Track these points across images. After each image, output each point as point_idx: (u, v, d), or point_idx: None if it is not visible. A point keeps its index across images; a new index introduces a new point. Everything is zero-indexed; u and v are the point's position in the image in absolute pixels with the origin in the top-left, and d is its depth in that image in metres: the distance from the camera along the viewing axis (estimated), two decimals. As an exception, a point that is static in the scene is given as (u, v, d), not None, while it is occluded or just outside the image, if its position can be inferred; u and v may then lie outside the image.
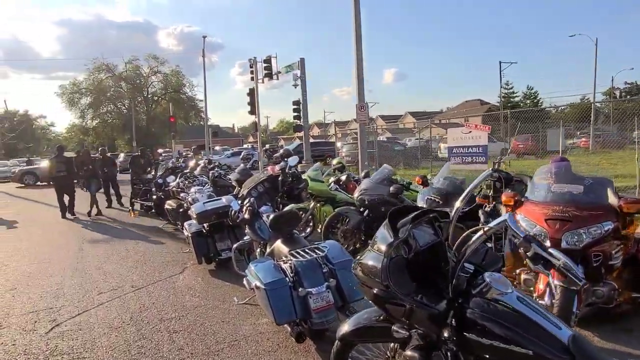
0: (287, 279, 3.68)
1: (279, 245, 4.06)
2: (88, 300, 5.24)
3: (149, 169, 14.25)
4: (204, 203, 6.44)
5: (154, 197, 10.78)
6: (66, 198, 12.06)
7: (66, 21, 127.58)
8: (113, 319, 4.62)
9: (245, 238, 5.35)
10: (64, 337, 4.23)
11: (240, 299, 4.95)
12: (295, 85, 20.80)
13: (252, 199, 4.80)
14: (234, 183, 10.52)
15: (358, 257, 2.36)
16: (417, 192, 7.80)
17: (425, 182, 6.08)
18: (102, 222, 11.14)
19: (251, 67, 21.56)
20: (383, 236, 2.20)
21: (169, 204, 9.29)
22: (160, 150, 45.21)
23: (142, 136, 55.41)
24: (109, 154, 15.94)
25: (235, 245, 5.21)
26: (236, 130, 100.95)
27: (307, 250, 3.76)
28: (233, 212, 4.77)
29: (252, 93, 21.23)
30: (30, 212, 13.85)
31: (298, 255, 3.67)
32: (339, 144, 33.48)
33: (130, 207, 12.85)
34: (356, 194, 7.08)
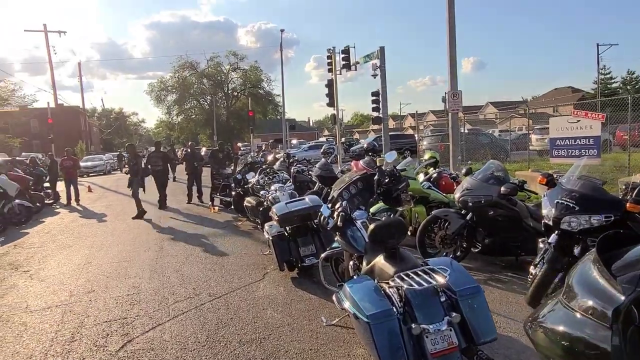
0: (394, 309, 2.87)
1: (381, 262, 3.26)
2: (163, 310, 4.79)
3: (227, 162, 14.07)
4: (286, 203, 5.81)
5: (233, 193, 10.44)
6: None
7: (155, 24, 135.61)
8: (188, 337, 4.09)
9: (333, 245, 4.62)
10: (134, 358, 3.75)
11: (329, 318, 4.23)
12: (375, 76, 19.84)
13: (344, 202, 4.03)
14: (314, 178, 9.90)
15: (535, 313, 1.48)
16: (535, 193, 6.66)
17: (551, 182, 4.96)
18: (183, 219, 11.02)
19: (329, 58, 20.88)
20: (595, 287, 1.32)
21: (248, 201, 8.85)
22: (239, 144, 46.28)
23: (222, 130, 57.22)
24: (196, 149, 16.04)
25: (323, 255, 4.49)
26: (311, 124, 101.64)
27: (419, 272, 2.91)
28: (323, 218, 4.05)
29: (330, 84, 20.56)
30: (121, 205, 14.23)
31: (409, 279, 2.84)
32: (417, 136, 31.91)
33: (210, 202, 12.73)
34: (457, 194, 6.09)
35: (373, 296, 2.97)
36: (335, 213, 3.98)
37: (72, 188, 15.57)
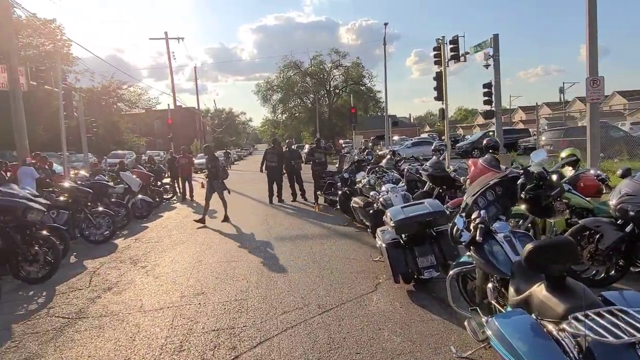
0: (569, 362, 2.15)
1: (542, 293, 2.52)
2: (271, 321, 4.46)
3: (325, 156, 13.76)
4: (402, 208, 5.20)
5: (339, 192, 10.04)
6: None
7: (262, 27, 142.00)
8: (297, 358, 3.69)
9: (461, 260, 3.93)
10: (242, 377, 3.44)
11: (459, 348, 3.56)
12: (487, 66, 18.35)
13: (482, 212, 3.33)
14: (424, 178, 9.14)
15: None
16: None
17: None
18: (289, 217, 10.90)
19: (436, 50, 19.69)
20: None
21: (356, 202, 8.38)
22: (341, 141, 46.24)
23: (325, 128, 57.85)
24: (294, 146, 16.04)
25: (452, 272, 3.82)
26: (412, 120, 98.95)
27: (603, 313, 2.15)
28: (456, 230, 3.39)
29: (439, 77, 19.38)
30: (232, 201, 14.63)
31: (594, 325, 2.09)
32: (533, 130, 29.02)
33: (314, 201, 12.52)
34: (613, 200, 5.00)
35: (537, 341, 2.27)
36: (472, 225, 3.29)
37: (187, 184, 16.45)
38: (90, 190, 10.03)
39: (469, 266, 3.72)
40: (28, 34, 38.07)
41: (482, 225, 3.23)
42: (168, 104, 40.93)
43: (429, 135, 52.43)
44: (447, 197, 8.46)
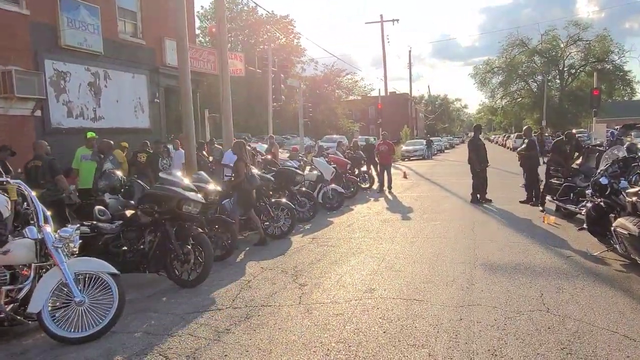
0: None
1: None
2: None
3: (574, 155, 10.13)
4: None
5: (589, 204, 6.76)
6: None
7: (485, 9, 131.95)
8: None
9: None
10: None
11: None
12: None
13: None
14: None
15: None
16: None
17: None
18: (506, 229, 8.13)
19: None
20: None
21: (623, 226, 5.23)
22: (574, 131, 38.59)
23: (552, 114, 49.66)
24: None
25: None
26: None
27: None
28: None
29: None
30: (430, 199, 12.44)
31: None
32: None
33: (540, 208, 9.34)
34: None
35: None
36: None
37: (385, 174, 14.83)
38: (272, 179, 9.16)
39: None
40: (267, 29, 42.38)
41: None
42: (379, 89, 40.40)
43: None
44: None
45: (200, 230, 5.79)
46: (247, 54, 30.65)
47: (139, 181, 6.63)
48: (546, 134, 33.93)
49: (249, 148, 14.05)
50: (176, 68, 12.13)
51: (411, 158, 34.12)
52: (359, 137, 32.36)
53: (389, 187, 14.66)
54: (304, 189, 10.79)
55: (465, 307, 4.46)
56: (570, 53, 53.60)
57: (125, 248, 5.77)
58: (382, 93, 39.15)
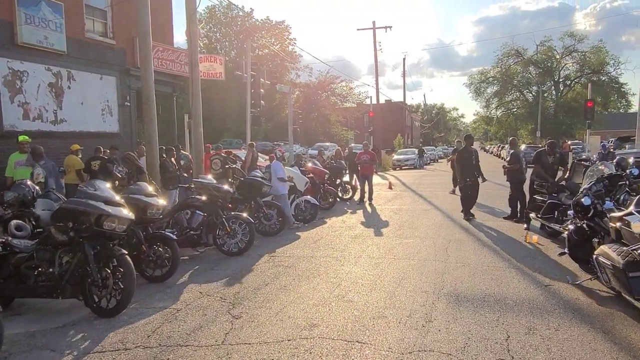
0: None
1: None
2: None
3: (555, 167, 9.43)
4: None
5: (571, 226, 6.01)
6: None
7: (483, 19, 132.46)
8: None
9: None
10: None
11: None
12: None
13: None
14: None
15: None
16: None
17: None
18: (484, 250, 7.41)
19: None
20: None
21: (606, 255, 4.52)
22: (568, 142, 38.07)
23: (547, 125, 49.21)
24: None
25: None
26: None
27: None
28: None
29: None
30: (409, 214, 11.73)
31: None
32: None
33: (525, 226, 8.64)
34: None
35: None
36: None
37: (366, 185, 14.11)
38: (230, 190, 8.43)
39: None
40: (261, 35, 41.79)
41: None
42: (370, 97, 39.80)
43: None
44: None
45: (123, 251, 5.03)
46: (239, 59, 30.10)
47: (57, 194, 5.87)
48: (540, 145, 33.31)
49: (223, 155, 13.39)
50: (154, 71, 11.40)
51: (402, 167, 33.49)
52: (352, 144, 31.66)
53: (370, 199, 13.94)
54: (272, 200, 10.08)
55: (415, 352, 3.72)
56: (565, 64, 53.28)
57: (40, 270, 5.03)
58: (374, 101, 38.44)
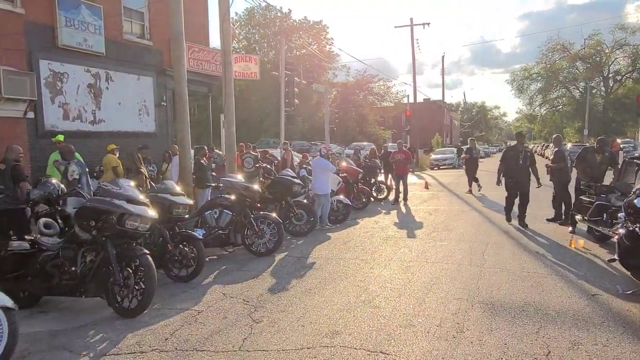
0: None
1: None
2: None
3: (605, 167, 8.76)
4: None
5: (621, 230, 5.52)
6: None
7: (527, 15, 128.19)
8: None
9: None
10: None
11: None
12: None
13: None
14: None
15: None
16: None
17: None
18: (525, 254, 6.95)
19: None
20: None
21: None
22: (618, 141, 36.10)
23: (595, 123, 46.86)
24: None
25: None
26: None
27: None
28: None
29: None
30: (445, 214, 11.29)
31: None
32: None
33: (570, 228, 8.08)
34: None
35: None
36: None
37: (401, 184, 13.73)
38: (259, 190, 8.30)
39: None
40: (299, 35, 41.93)
41: None
42: (407, 96, 39.09)
43: None
44: None
45: (145, 251, 4.96)
46: (277, 59, 30.14)
47: (82, 192, 5.89)
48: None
49: (255, 153, 13.36)
50: (189, 71, 11.49)
51: (441, 167, 32.67)
52: (389, 144, 31.10)
53: (405, 199, 13.56)
54: (305, 200, 9.93)
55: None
56: (616, 59, 50.59)
57: (65, 268, 5.04)
58: (412, 100, 37.72)
